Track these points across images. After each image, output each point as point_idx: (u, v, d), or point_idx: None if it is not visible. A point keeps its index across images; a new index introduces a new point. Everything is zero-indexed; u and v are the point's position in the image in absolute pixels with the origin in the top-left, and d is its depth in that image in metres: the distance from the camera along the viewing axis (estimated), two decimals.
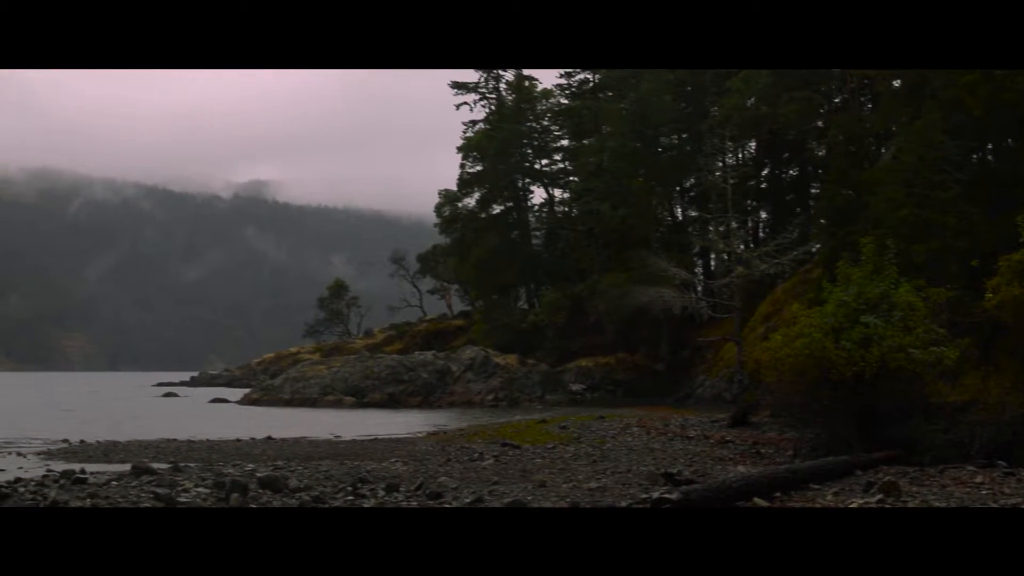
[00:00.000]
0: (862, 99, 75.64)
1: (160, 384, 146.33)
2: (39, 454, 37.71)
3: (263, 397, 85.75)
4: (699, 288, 79.37)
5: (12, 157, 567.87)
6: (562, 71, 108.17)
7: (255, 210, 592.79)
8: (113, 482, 26.35)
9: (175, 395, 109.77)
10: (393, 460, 32.84)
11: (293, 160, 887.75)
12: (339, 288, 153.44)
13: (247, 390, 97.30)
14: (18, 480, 27.66)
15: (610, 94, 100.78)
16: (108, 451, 38.28)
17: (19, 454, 37.81)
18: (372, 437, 45.69)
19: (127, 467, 30.32)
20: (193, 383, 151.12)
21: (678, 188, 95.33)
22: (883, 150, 64.26)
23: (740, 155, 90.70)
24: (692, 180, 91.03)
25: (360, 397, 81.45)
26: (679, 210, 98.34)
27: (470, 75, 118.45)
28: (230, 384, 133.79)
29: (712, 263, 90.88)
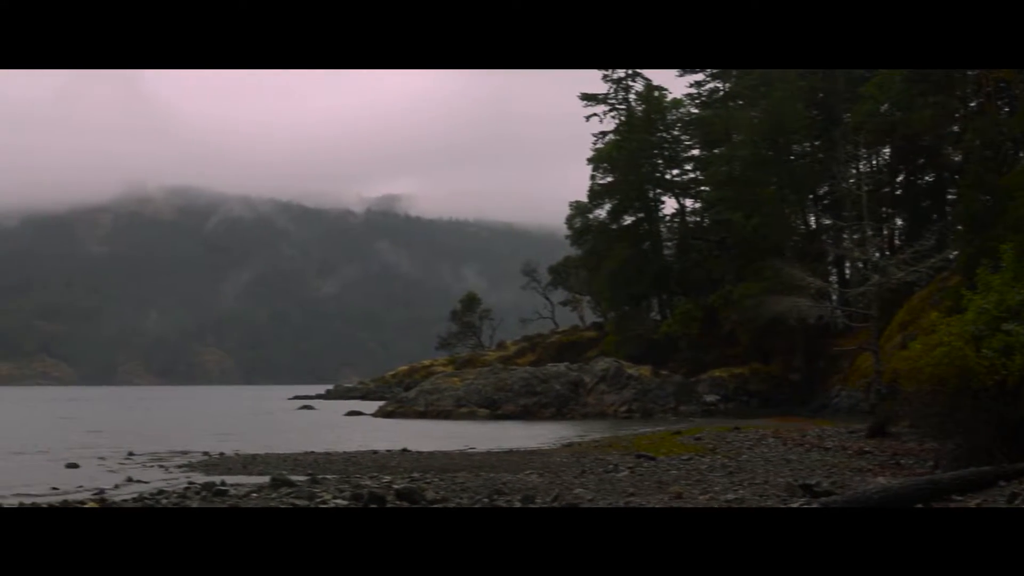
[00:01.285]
0: (999, 103, 74.35)
1: (296, 397, 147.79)
2: (180, 466, 38.37)
3: (397, 409, 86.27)
4: (834, 297, 78.64)
5: (151, 175, 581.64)
6: (692, 81, 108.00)
7: (387, 224, 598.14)
8: (253, 494, 26.74)
9: (311, 408, 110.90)
10: (528, 472, 32.85)
11: (424, 174, 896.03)
12: (471, 301, 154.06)
13: (382, 403, 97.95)
14: (160, 492, 28.26)
15: (740, 102, 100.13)
16: (247, 463, 38.77)
17: (161, 466, 38.56)
18: (507, 449, 45.74)
19: (266, 479, 30.73)
20: (328, 396, 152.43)
21: (811, 196, 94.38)
22: (1021, 154, 63.09)
23: (874, 162, 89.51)
24: (825, 188, 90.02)
25: (494, 409, 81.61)
26: (812, 218, 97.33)
27: (599, 86, 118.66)
28: (365, 397, 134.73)
29: (847, 272, 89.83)
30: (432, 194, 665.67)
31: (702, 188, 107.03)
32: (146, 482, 32.18)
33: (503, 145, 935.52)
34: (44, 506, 24.10)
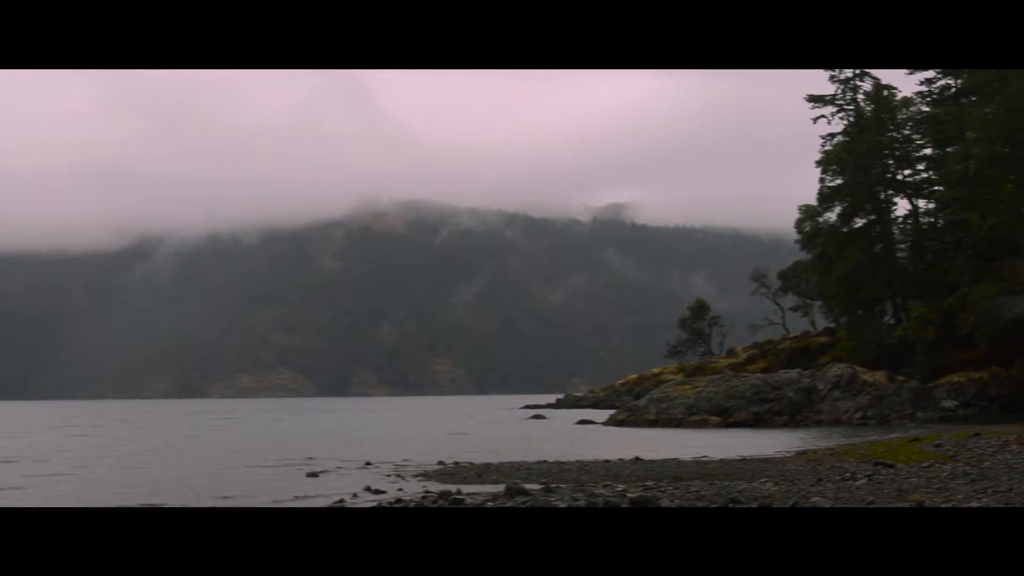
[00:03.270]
0: None
1: (527, 407, 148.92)
2: (416, 476, 39.01)
3: (628, 418, 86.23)
4: None
5: (384, 189, 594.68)
6: (922, 78, 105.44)
7: (614, 232, 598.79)
8: (488, 503, 27.01)
9: (542, 417, 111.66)
10: (763, 480, 32.49)
11: (650, 181, 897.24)
12: (700, 308, 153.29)
13: (612, 411, 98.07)
14: (399, 501, 28.81)
15: (974, 99, 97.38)
16: (482, 472, 39.21)
17: (398, 475, 39.27)
18: (740, 457, 45.35)
19: (501, 488, 31.06)
20: (558, 405, 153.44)
21: None
22: None
23: None
24: None
25: (725, 417, 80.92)
26: None
27: (826, 87, 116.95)
28: (595, 405, 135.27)
29: None
30: (658, 201, 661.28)
31: (935, 188, 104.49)
32: (383, 491, 32.80)
33: (729, 149, 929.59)
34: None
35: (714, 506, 24.21)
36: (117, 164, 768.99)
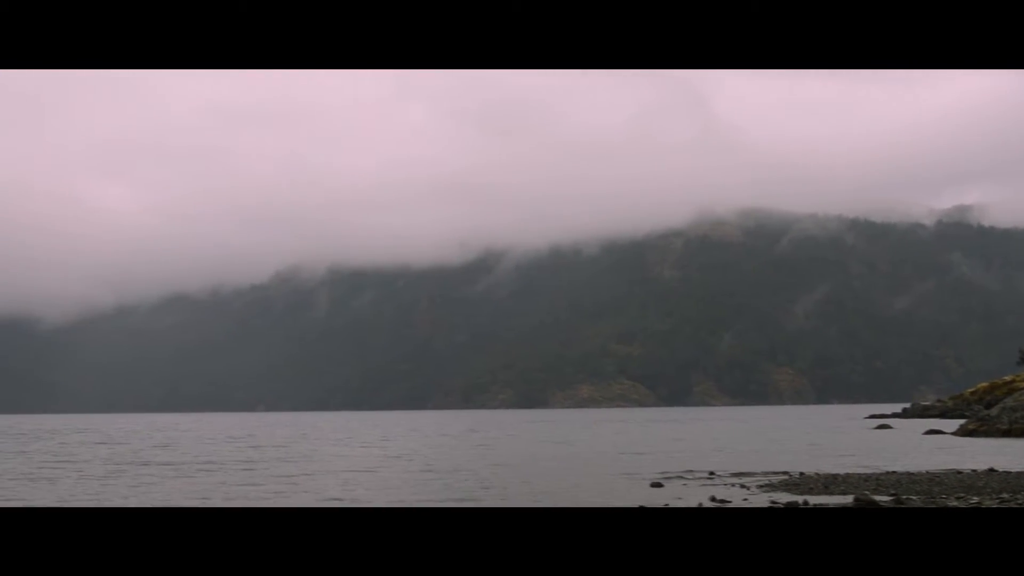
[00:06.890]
0: None
1: (872, 416, 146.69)
2: (762, 486, 38.93)
3: (979, 428, 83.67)
4: None
5: (722, 197, 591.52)
6: None
7: (960, 235, 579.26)
8: None
9: (888, 427, 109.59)
10: None
11: (997, 181, 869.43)
12: None
13: (961, 421, 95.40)
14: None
15: None
16: (828, 483, 38.86)
17: (742, 486, 39.27)
18: None
19: (849, 499, 30.68)
20: (905, 415, 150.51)
21: None
22: None
23: None
24: None
25: None
26: None
27: None
28: (943, 415, 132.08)
29: None
30: (1007, 201, 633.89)
31: None
32: (728, 501, 32.84)
33: None
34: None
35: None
36: (459, 180, 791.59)
